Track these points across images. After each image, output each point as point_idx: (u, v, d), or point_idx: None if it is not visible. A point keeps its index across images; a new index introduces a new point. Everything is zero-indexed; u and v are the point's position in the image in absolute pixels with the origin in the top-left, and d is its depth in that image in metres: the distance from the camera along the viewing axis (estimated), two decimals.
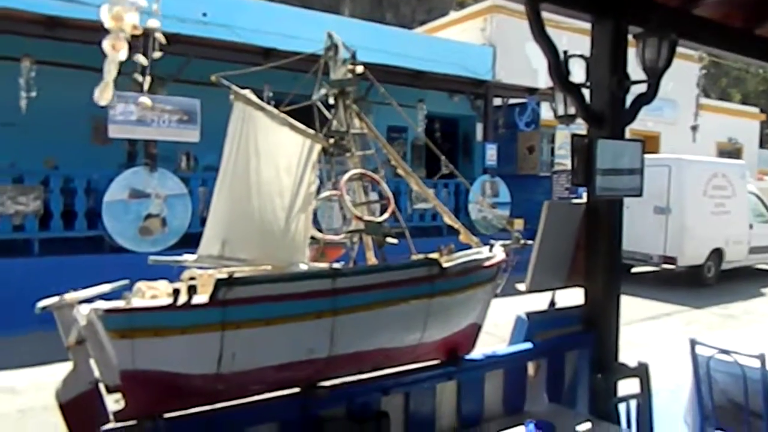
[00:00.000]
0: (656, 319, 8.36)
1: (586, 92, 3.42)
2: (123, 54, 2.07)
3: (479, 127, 11.78)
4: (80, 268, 7.64)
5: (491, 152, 11.66)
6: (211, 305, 1.89)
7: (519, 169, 13.94)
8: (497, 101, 12.83)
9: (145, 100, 2.65)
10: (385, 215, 2.58)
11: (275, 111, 2.57)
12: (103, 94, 2.02)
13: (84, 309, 1.96)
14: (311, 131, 2.65)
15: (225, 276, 1.94)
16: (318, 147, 2.63)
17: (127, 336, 1.83)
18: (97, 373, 1.95)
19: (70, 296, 1.96)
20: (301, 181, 2.51)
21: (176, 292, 1.87)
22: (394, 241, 2.59)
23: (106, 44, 1.97)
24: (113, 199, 7.84)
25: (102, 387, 1.97)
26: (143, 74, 2.39)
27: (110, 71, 2.12)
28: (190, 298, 1.87)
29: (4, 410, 5.10)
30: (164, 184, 8.20)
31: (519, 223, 12.67)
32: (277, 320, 2.00)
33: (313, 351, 2.10)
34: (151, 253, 8.03)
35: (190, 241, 8.45)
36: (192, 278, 2.13)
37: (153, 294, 2.20)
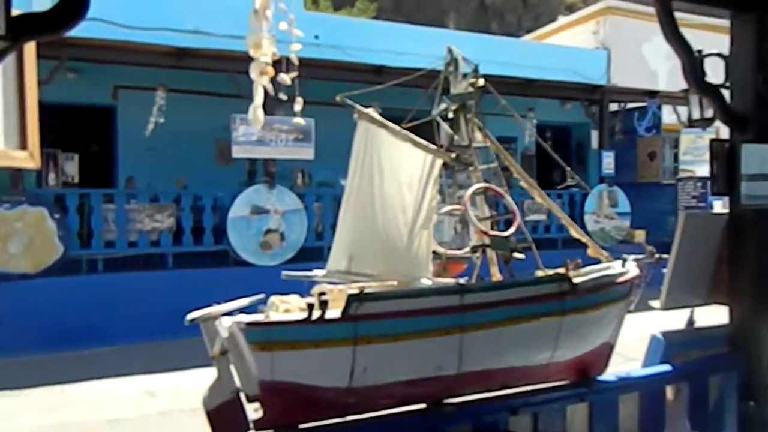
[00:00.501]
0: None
1: (725, 93, 3.16)
2: (266, 79, 2.20)
3: (594, 135, 11.27)
4: (208, 280, 8.19)
5: (608, 160, 11.10)
6: (343, 320, 1.93)
7: (639, 177, 13.16)
8: (613, 107, 12.23)
9: (298, 120, 2.74)
10: (511, 230, 2.52)
11: (397, 128, 2.61)
12: (256, 116, 2.15)
13: (226, 322, 2.07)
14: (433, 146, 2.66)
15: (356, 291, 1.98)
16: (440, 162, 2.63)
17: (266, 348, 1.91)
18: (238, 383, 2.06)
19: (215, 309, 2.08)
20: (423, 196, 2.52)
21: (310, 307, 1.93)
22: (521, 256, 2.52)
23: (254, 70, 2.09)
24: (237, 216, 8.33)
25: (243, 396, 2.07)
26: (284, 94, 2.50)
27: (258, 95, 2.25)
28: (323, 313, 1.93)
29: (145, 412, 5.54)
30: (282, 201, 8.59)
31: (640, 235, 11.97)
32: (406, 336, 2.00)
33: (442, 368, 2.08)
34: (271, 266, 8.44)
35: (306, 254, 8.79)
36: (322, 293, 2.19)
37: (286, 308, 2.29)
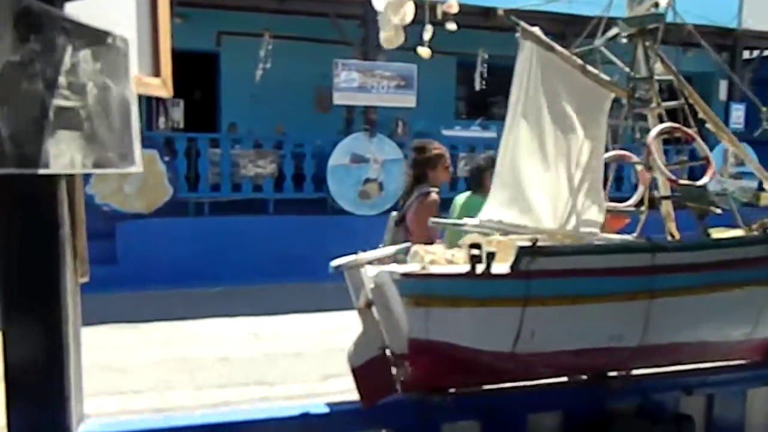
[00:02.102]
0: None
1: None
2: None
3: (723, 85, 10.14)
4: (308, 227, 8.20)
5: (738, 113, 10.00)
6: (513, 276, 1.67)
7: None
8: (745, 54, 10.94)
9: (423, 50, 2.46)
10: (706, 178, 2.13)
11: (566, 52, 2.24)
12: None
13: (372, 271, 1.86)
14: (605, 77, 2.28)
15: (527, 243, 1.70)
16: (610, 97, 2.26)
17: (422, 303, 1.69)
18: (385, 339, 1.86)
19: (361, 257, 1.88)
20: (593, 136, 2.17)
21: (474, 260, 1.67)
22: (719, 210, 2.14)
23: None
24: (337, 164, 8.22)
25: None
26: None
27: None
28: (488, 266, 1.66)
29: (251, 353, 5.64)
30: (382, 150, 8.38)
31: (766, 198, 10.85)
32: (585, 299, 1.71)
33: (622, 338, 1.78)
34: (370, 216, 8.32)
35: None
36: (475, 245, 1.93)
37: (432, 259, 2.05)
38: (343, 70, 8.12)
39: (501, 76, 10.79)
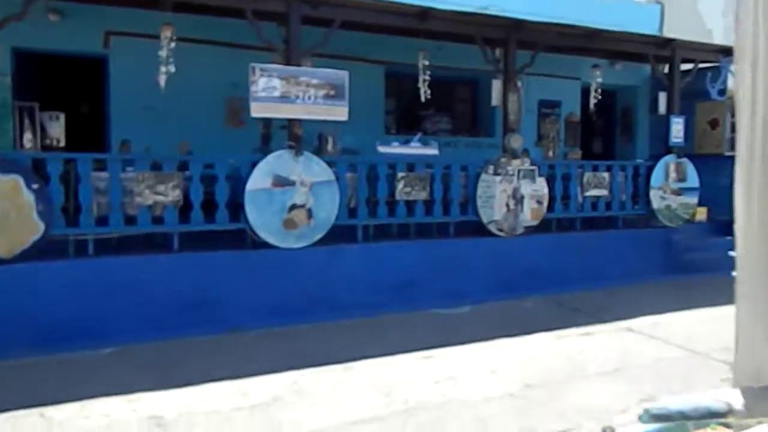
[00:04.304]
0: None
1: None
2: None
3: (662, 97, 9.78)
4: (222, 265, 6.79)
5: (678, 127, 9.67)
6: None
7: (697, 147, 11.73)
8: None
9: None
10: None
11: None
12: None
13: None
14: None
15: None
16: None
17: None
18: None
19: None
20: None
21: None
22: None
23: None
24: (256, 188, 6.88)
25: None
26: None
27: None
28: None
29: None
30: (310, 170, 7.13)
31: (702, 213, 10.61)
32: None
33: None
34: (296, 249, 7.02)
35: (336, 234, 7.39)
36: None
37: None
38: (261, 76, 6.82)
39: (434, 88, 10.09)
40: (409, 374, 5.27)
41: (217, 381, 5.05)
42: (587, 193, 9.12)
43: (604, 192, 9.23)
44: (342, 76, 7.27)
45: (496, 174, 8.29)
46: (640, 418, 1.07)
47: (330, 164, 7.38)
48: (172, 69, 6.96)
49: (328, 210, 7.25)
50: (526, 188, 8.47)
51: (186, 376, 5.12)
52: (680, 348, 5.99)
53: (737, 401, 1.09)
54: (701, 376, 5.20)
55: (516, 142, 8.44)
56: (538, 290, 8.01)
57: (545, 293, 7.98)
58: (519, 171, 8.45)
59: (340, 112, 7.26)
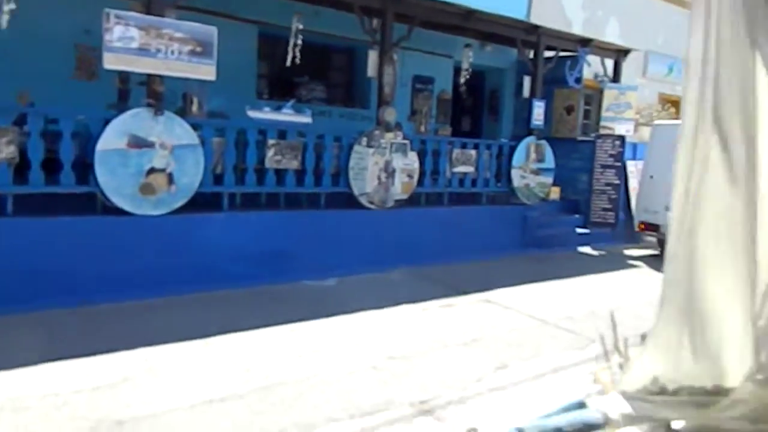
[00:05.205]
0: None
1: None
2: None
3: (526, 81, 10.29)
4: (67, 232, 6.14)
5: (539, 111, 10.24)
6: None
7: (554, 131, 12.58)
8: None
9: None
10: None
11: None
12: None
13: None
14: None
15: None
16: None
17: None
18: None
19: None
20: None
21: None
22: None
23: None
24: (109, 148, 6.24)
25: None
26: None
27: None
28: None
29: None
30: (171, 132, 6.61)
31: (555, 192, 11.43)
32: None
33: None
34: (155, 216, 6.53)
35: (200, 202, 6.98)
36: None
37: None
38: (117, 24, 6.14)
39: (310, 55, 9.79)
40: (271, 348, 5.11)
41: (60, 360, 4.56)
42: (455, 169, 9.41)
43: (471, 169, 9.58)
44: (210, 32, 6.78)
45: (369, 146, 8.26)
46: None
47: (195, 127, 6.89)
48: (13, 5, 6.07)
49: (191, 176, 6.79)
50: (398, 162, 8.55)
51: (23, 357, 4.57)
52: (532, 318, 6.40)
53: (615, 410, 1.07)
54: (549, 344, 5.60)
55: (390, 115, 8.45)
56: (405, 263, 8.17)
57: (412, 266, 8.16)
58: (392, 144, 8.48)
59: (206, 71, 6.77)
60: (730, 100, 1.10)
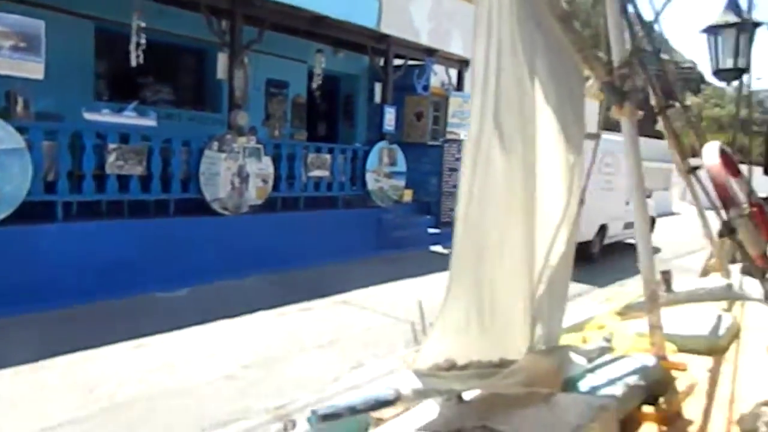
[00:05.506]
0: (573, 300, 8.13)
1: None
2: None
3: (378, 87, 10.64)
4: None
5: (390, 116, 10.65)
6: None
7: (405, 136, 13.12)
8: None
9: None
10: None
11: None
12: None
13: None
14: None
15: None
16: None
17: None
18: None
19: None
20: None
21: None
22: None
23: None
24: None
25: None
26: None
27: None
28: None
29: None
30: None
31: (408, 194, 11.95)
32: None
33: None
34: None
35: (28, 212, 6.36)
36: None
37: None
38: None
39: (156, 55, 9.27)
40: (117, 367, 4.81)
41: None
42: (311, 174, 9.48)
43: (326, 173, 9.71)
44: (36, 26, 6.20)
45: (221, 151, 8.05)
46: (309, 421, 1.08)
47: (21, 130, 6.25)
48: None
49: (16, 183, 6.15)
50: (252, 167, 8.42)
51: None
52: (386, 316, 6.65)
53: (407, 387, 1.19)
54: (403, 341, 5.85)
55: (242, 119, 8.30)
56: (262, 269, 8.07)
57: (269, 272, 8.08)
58: (245, 149, 8.34)
59: (33, 69, 6.19)
60: (509, 107, 1.28)
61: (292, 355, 5.32)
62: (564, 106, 1.41)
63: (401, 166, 11.07)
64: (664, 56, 1.87)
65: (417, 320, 1.35)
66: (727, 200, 1.57)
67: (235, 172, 8.24)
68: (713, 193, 1.62)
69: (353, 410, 1.11)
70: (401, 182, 11.14)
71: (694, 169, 1.80)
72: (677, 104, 1.79)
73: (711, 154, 1.74)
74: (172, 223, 7.67)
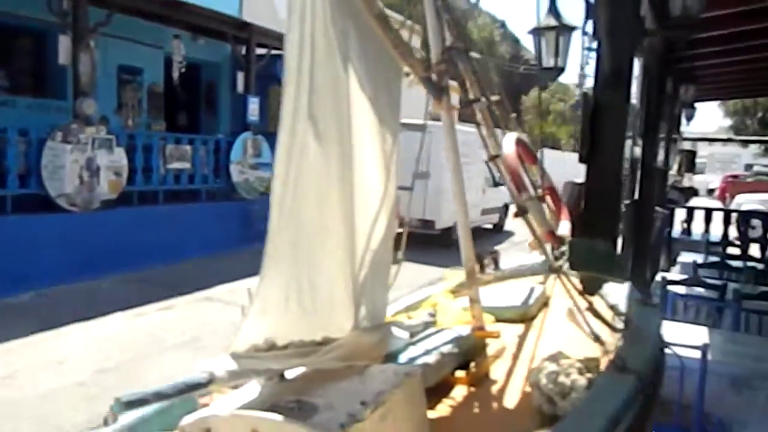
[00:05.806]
0: (434, 284, 8.54)
1: None
2: None
3: (240, 77, 10.38)
4: None
5: (254, 107, 10.45)
6: None
7: (272, 127, 12.94)
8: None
9: None
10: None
11: None
12: None
13: None
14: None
15: None
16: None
17: None
18: None
19: None
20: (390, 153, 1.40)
21: None
22: None
23: None
24: None
25: None
26: None
27: None
28: None
29: None
30: None
31: None
32: None
33: None
34: None
35: None
36: None
37: None
38: None
39: None
40: None
41: None
42: (170, 166, 9.06)
43: (187, 165, 9.34)
44: None
45: (66, 142, 7.44)
46: (112, 409, 1.08)
47: None
48: None
49: None
50: (103, 159, 7.88)
51: None
52: None
53: (222, 369, 1.22)
54: None
55: (89, 107, 7.73)
56: (118, 268, 7.60)
57: (126, 271, 7.64)
58: (94, 140, 7.78)
59: None
60: (323, 102, 1.37)
61: (152, 356, 5.11)
62: (380, 97, 1.52)
63: (267, 157, 10.92)
64: (475, 54, 2.07)
65: (247, 306, 1.39)
66: (519, 185, 1.80)
67: (84, 165, 7.67)
68: (508, 178, 1.83)
69: (160, 395, 1.13)
70: (267, 174, 10.99)
71: (495, 157, 2.02)
72: (483, 98, 1.99)
73: (508, 143, 1.97)
74: (10, 221, 6.98)
